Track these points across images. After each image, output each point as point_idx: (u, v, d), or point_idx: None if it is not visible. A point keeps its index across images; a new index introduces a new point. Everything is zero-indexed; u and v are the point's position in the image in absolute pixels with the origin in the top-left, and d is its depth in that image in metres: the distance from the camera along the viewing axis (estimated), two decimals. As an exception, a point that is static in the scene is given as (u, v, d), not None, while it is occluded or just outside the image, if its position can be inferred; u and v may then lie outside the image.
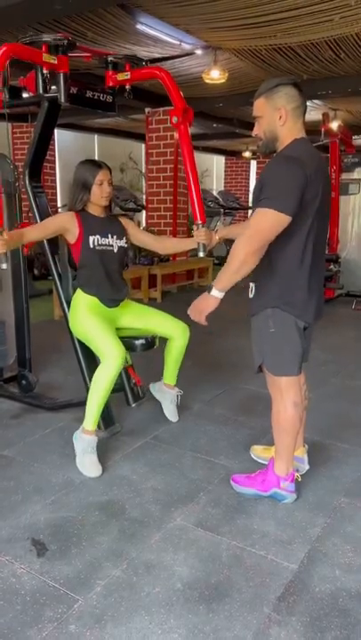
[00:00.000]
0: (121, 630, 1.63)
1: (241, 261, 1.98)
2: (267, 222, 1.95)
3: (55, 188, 9.98)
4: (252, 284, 2.19)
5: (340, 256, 6.88)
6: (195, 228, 2.74)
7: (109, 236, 2.71)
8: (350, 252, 7.05)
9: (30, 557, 1.96)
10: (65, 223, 2.67)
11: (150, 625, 1.65)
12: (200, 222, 2.71)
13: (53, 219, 2.76)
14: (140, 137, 10.94)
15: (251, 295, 2.19)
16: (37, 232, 2.70)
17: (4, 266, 2.39)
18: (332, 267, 6.74)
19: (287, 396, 2.21)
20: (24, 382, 3.38)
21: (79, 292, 2.71)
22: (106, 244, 2.70)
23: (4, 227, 2.34)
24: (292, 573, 1.89)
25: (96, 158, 11.80)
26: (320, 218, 2.09)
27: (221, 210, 11.10)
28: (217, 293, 2.07)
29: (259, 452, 2.67)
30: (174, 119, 2.64)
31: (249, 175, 14.44)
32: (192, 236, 2.82)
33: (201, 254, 2.65)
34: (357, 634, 1.63)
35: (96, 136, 11.48)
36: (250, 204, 11.81)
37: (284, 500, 2.29)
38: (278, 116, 2.05)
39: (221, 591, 1.80)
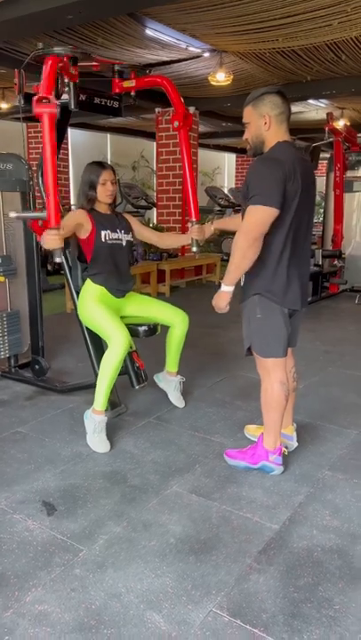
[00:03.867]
0: (119, 574, 1.87)
1: (241, 256, 2.24)
2: (258, 217, 2.19)
3: (69, 185, 10.25)
4: (243, 274, 2.42)
5: (345, 252, 7.05)
6: (189, 224, 2.97)
7: (118, 230, 2.95)
8: (355, 248, 7.22)
9: (41, 516, 2.20)
10: (80, 219, 2.90)
11: (145, 570, 1.89)
12: (194, 220, 2.94)
13: (71, 216, 2.93)
14: (151, 135, 11.17)
15: (241, 284, 2.42)
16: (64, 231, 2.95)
17: (59, 259, 2.60)
18: (336, 262, 6.93)
19: (274, 375, 2.43)
20: (37, 367, 3.64)
21: (88, 282, 2.95)
22: (116, 238, 2.94)
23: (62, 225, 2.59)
24: (274, 532, 2.11)
25: (109, 156, 12.04)
26: (301, 213, 2.29)
27: (230, 207, 11.26)
28: (226, 288, 2.35)
29: (252, 431, 2.89)
30: (175, 124, 2.86)
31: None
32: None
33: (194, 249, 2.87)
34: (327, 580, 1.85)
35: (108, 135, 11.73)
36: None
37: (272, 471, 2.51)
38: (263, 122, 2.28)
39: (209, 545, 2.03)
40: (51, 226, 2.52)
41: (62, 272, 6.34)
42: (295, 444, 2.75)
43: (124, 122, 10.33)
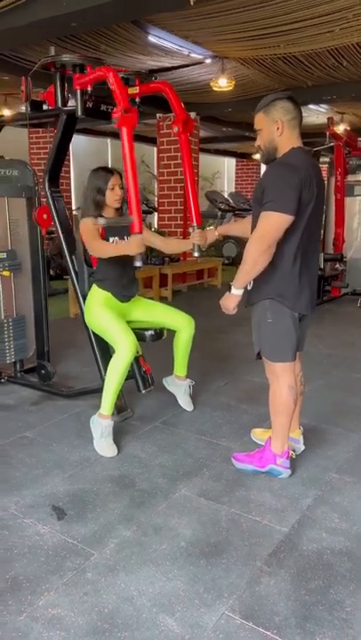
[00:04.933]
0: (131, 578, 1.88)
1: (253, 262, 2.25)
2: (272, 224, 2.20)
3: (70, 190, 10.28)
4: None
5: (346, 255, 7.07)
6: (190, 230, 2.99)
7: (126, 237, 2.96)
8: (356, 252, 7.25)
9: (51, 520, 2.21)
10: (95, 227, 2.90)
11: (157, 574, 1.90)
12: (195, 225, 2.96)
13: (92, 227, 2.86)
14: (151, 140, 11.20)
15: (249, 287, 2.43)
16: (110, 246, 2.93)
17: (139, 264, 2.67)
18: (337, 266, 6.96)
19: (283, 380, 2.44)
20: (43, 372, 3.65)
21: (95, 287, 2.97)
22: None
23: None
24: (284, 535, 2.12)
25: (109, 161, 12.06)
26: (313, 219, 2.32)
27: (230, 211, 11.29)
28: (236, 291, 2.36)
29: (258, 435, 2.90)
30: (175, 129, 2.89)
31: (259, 177, 14.63)
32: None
33: (196, 254, 2.90)
34: (337, 583, 1.86)
35: (109, 140, 11.78)
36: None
37: (280, 475, 2.52)
38: (276, 128, 2.29)
39: (220, 548, 2.04)
40: (135, 231, 2.63)
41: (65, 277, 6.35)
42: (302, 448, 2.76)
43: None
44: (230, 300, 2.39)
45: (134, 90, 2.90)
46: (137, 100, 3.01)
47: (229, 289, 2.38)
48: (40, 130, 9.36)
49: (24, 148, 9.60)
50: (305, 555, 2.01)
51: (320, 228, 2.48)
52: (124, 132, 2.58)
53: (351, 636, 1.64)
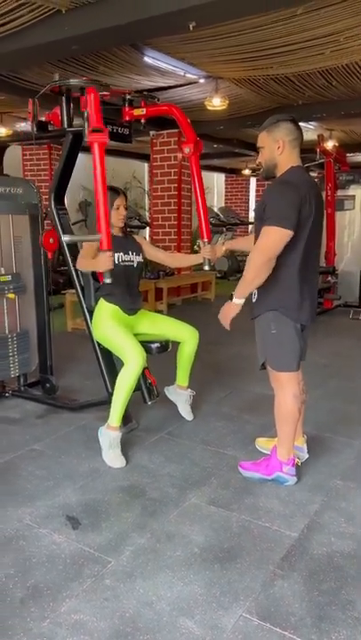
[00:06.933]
0: (149, 583, 1.93)
1: (254, 274, 2.36)
2: (273, 239, 2.31)
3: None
4: (255, 290, 2.52)
5: (338, 268, 7.22)
6: (201, 245, 3.10)
7: (130, 252, 3.07)
8: (347, 265, 7.41)
9: (67, 530, 2.26)
10: (97, 244, 2.98)
11: (173, 579, 1.95)
12: (206, 240, 3.07)
13: (91, 245, 3.00)
14: (142, 157, 11.37)
15: (253, 300, 2.52)
16: (87, 261, 3.01)
17: (109, 280, 2.78)
18: (329, 278, 7.10)
19: (288, 389, 2.53)
20: (48, 385, 3.70)
21: (102, 301, 3.05)
22: (128, 260, 3.06)
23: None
24: (294, 540, 2.19)
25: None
26: (313, 234, 2.43)
27: (221, 226, 11.47)
28: (237, 301, 2.46)
29: (263, 443, 2.97)
30: (186, 150, 3.01)
31: (248, 192, 14.86)
32: (197, 252, 3.17)
33: (206, 267, 3.05)
34: (348, 584, 1.93)
35: (101, 156, 11.90)
36: (250, 220, 12.24)
37: (286, 482, 2.59)
38: (277, 147, 2.41)
39: (233, 554, 2.10)
40: (104, 248, 2.71)
41: (63, 292, 6.40)
42: (306, 456, 2.84)
43: (116, 144, 10.50)
44: (230, 309, 2.47)
45: (141, 111, 3.00)
46: (143, 121, 3.13)
47: (231, 298, 2.47)
48: (33, 147, 9.45)
49: (17, 163, 9.70)
50: (315, 558, 2.07)
51: (320, 242, 2.59)
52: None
53: (365, 633, 1.70)
